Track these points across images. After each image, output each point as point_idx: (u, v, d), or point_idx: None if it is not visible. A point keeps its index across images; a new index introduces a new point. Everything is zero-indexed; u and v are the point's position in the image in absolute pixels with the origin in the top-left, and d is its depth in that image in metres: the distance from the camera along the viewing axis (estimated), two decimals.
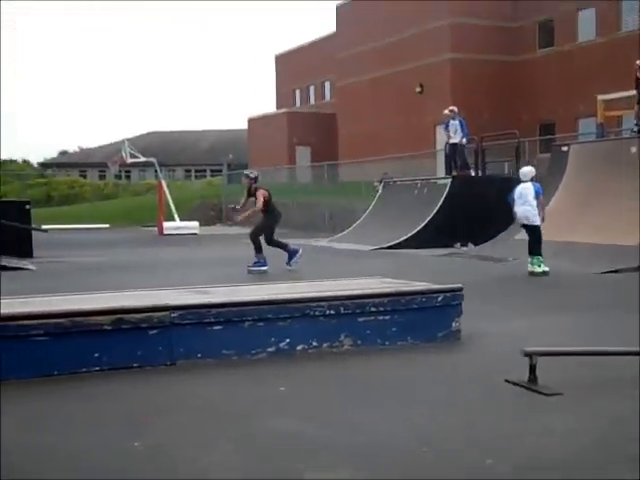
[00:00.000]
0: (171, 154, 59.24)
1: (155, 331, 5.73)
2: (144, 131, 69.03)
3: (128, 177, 60.49)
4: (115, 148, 42.68)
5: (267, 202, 13.30)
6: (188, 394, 5.04)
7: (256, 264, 13.03)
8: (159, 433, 4.19)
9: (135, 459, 3.75)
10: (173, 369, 5.63)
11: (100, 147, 69.62)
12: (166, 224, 27.93)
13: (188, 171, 65.89)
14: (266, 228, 13.46)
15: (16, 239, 16.60)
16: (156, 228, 28.62)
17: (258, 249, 13.18)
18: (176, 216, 28.73)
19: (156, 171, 32.68)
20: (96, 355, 5.56)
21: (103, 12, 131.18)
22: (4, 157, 71.07)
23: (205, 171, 63.58)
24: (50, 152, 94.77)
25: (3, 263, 14.25)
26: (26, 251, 16.69)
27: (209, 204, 37.75)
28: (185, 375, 5.49)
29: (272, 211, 13.53)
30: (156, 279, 11.82)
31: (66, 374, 5.41)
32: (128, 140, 31.48)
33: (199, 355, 5.79)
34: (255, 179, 13.70)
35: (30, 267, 14.57)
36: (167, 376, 5.48)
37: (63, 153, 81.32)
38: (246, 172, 14.63)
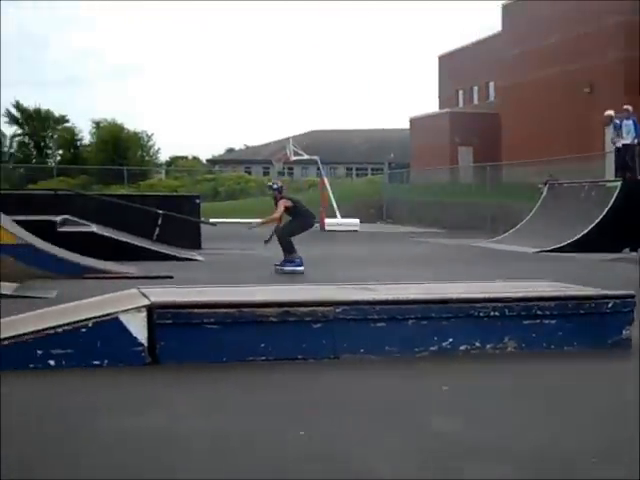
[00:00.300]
0: (333, 152, 60.00)
1: (319, 325, 5.84)
2: (307, 129, 70.31)
3: (291, 174, 61.76)
4: (279, 146, 43.66)
5: (289, 210, 13.09)
6: (352, 388, 5.11)
7: (291, 264, 12.86)
8: (324, 424, 4.27)
9: (302, 447, 3.84)
10: (337, 363, 5.72)
11: (264, 145, 71.47)
12: (328, 220, 28.35)
13: (349, 169, 66.63)
14: (293, 229, 13.26)
15: (187, 231, 17.43)
16: (318, 224, 29.10)
17: (290, 250, 13.03)
18: (338, 213, 29.10)
19: (318, 168, 33.17)
20: (262, 345, 5.73)
21: (270, 11, 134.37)
22: (177, 154, 74.40)
23: (366, 169, 64.07)
24: (218, 149, 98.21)
25: (174, 253, 14.97)
26: (195, 243, 17.46)
27: (370, 202, 37.96)
28: (348, 369, 5.58)
29: (300, 216, 13.28)
30: (319, 274, 12.05)
31: (234, 361, 5.62)
32: (292, 138, 32.17)
33: (362, 350, 5.86)
34: (279, 190, 13.40)
35: (199, 258, 15.20)
36: (331, 369, 5.58)
37: (230, 150, 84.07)
38: (269, 184, 14.40)
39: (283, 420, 4.33)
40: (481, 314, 6.06)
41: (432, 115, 45.57)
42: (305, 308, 5.83)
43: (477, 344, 6.04)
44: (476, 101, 46.65)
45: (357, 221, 29.01)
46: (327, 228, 27.72)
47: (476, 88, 46.70)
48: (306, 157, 31.35)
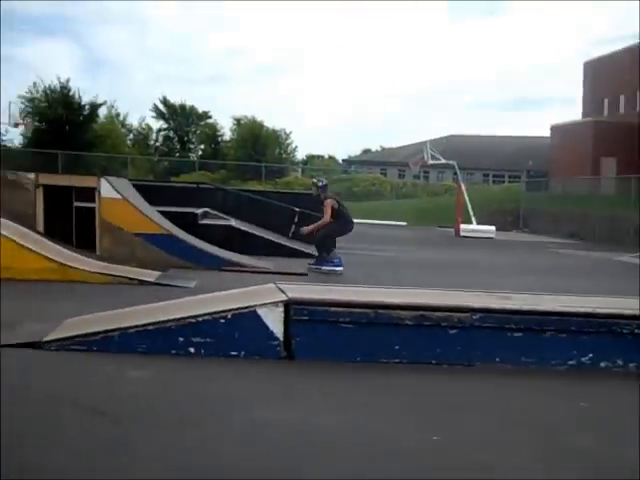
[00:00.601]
0: (470, 158, 59.21)
1: (455, 331, 5.77)
2: (445, 134, 69.70)
3: (426, 178, 61.43)
4: (415, 149, 43.50)
5: (335, 211, 12.62)
6: (486, 397, 5.03)
7: (329, 264, 12.52)
8: (456, 430, 4.22)
9: (436, 454, 3.81)
10: (470, 370, 5.64)
11: (401, 147, 71.34)
12: (463, 226, 28.10)
13: (486, 175, 65.61)
14: (332, 231, 12.80)
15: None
16: (452, 229, 28.88)
17: (328, 251, 12.67)
18: (473, 219, 28.78)
19: (455, 174, 32.91)
20: (396, 347, 5.71)
21: (411, 12, 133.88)
22: (313, 153, 75.46)
23: (503, 177, 62.96)
24: (354, 150, 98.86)
25: (309, 251, 15.12)
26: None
27: (506, 210, 37.30)
28: (482, 377, 5.48)
29: (341, 219, 12.83)
30: (452, 279, 11.92)
31: (367, 362, 5.63)
32: (429, 142, 32.04)
33: (497, 359, 5.75)
34: (323, 187, 12.98)
35: None
36: (465, 376, 5.51)
37: (366, 151, 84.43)
38: (314, 180, 13.86)
39: (416, 424, 4.31)
40: (624, 331, 5.83)
41: (574, 123, 44.29)
42: (441, 313, 5.77)
43: (619, 362, 5.81)
44: (622, 110, 44.96)
45: (492, 228, 28.59)
46: (462, 234, 27.50)
47: (623, 97, 45.00)
48: (443, 161, 31.17)
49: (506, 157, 64.75)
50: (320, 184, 13.14)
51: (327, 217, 12.75)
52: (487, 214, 33.71)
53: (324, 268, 12.61)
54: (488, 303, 6.14)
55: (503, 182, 59.62)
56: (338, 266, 12.62)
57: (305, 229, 13.12)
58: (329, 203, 12.80)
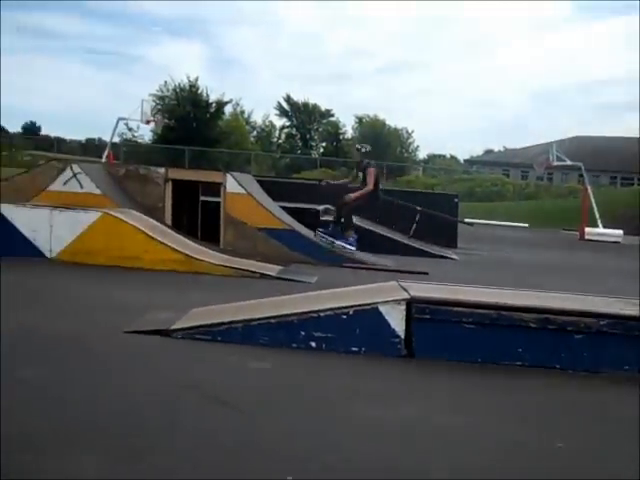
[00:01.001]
0: (596, 159, 57.44)
1: (580, 336, 5.61)
2: (571, 135, 67.92)
3: (550, 179, 60.04)
4: (539, 150, 42.56)
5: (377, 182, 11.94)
6: (613, 406, 4.88)
7: (344, 240, 12.05)
8: (581, 438, 4.12)
9: (559, 460, 3.72)
10: (597, 377, 5.45)
11: (524, 148, 69.97)
12: (588, 229, 27.29)
13: (613, 178, 63.52)
14: (359, 205, 12.31)
15: (444, 230, 17.47)
16: (577, 232, 28.12)
17: (347, 226, 12.17)
18: (599, 222, 27.92)
19: (581, 175, 32.00)
20: (519, 350, 5.60)
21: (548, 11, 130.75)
22: (435, 152, 75.04)
23: (632, 179, 60.79)
24: (476, 150, 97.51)
25: (429, 250, 15.06)
26: (451, 242, 17.45)
27: (635, 213, 35.96)
28: (609, 386, 5.30)
29: (375, 190, 12.34)
30: (576, 283, 11.58)
31: (488, 363, 5.55)
32: (555, 143, 31.29)
33: (626, 367, 5.53)
34: (367, 154, 12.39)
35: (453, 257, 15.17)
36: (590, 383, 5.34)
37: (488, 152, 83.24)
38: (357, 146, 13.21)
39: (538, 429, 4.21)
40: None
41: None
42: (567, 317, 5.62)
43: None
44: None
45: (620, 232, 27.64)
46: (587, 237, 26.73)
47: None
48: (569, 163, 30.39)
49: (636, 159, 62.47)
50: (363, 150, 12.85)
51: (371, 185, 12.45)
52: (614, 217, 32.59)
53: (337, 242, 12.33)
54: (616, 309, 5.95)
55: (632, 184, 57.57)
56: (351, 245, 12.30)
57: (349, 196, 12.70)
58: (372, 171, 12.47)
